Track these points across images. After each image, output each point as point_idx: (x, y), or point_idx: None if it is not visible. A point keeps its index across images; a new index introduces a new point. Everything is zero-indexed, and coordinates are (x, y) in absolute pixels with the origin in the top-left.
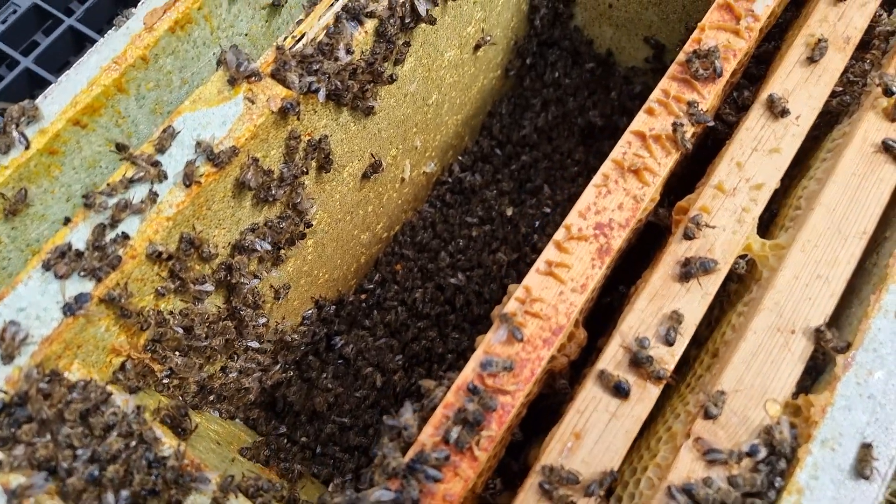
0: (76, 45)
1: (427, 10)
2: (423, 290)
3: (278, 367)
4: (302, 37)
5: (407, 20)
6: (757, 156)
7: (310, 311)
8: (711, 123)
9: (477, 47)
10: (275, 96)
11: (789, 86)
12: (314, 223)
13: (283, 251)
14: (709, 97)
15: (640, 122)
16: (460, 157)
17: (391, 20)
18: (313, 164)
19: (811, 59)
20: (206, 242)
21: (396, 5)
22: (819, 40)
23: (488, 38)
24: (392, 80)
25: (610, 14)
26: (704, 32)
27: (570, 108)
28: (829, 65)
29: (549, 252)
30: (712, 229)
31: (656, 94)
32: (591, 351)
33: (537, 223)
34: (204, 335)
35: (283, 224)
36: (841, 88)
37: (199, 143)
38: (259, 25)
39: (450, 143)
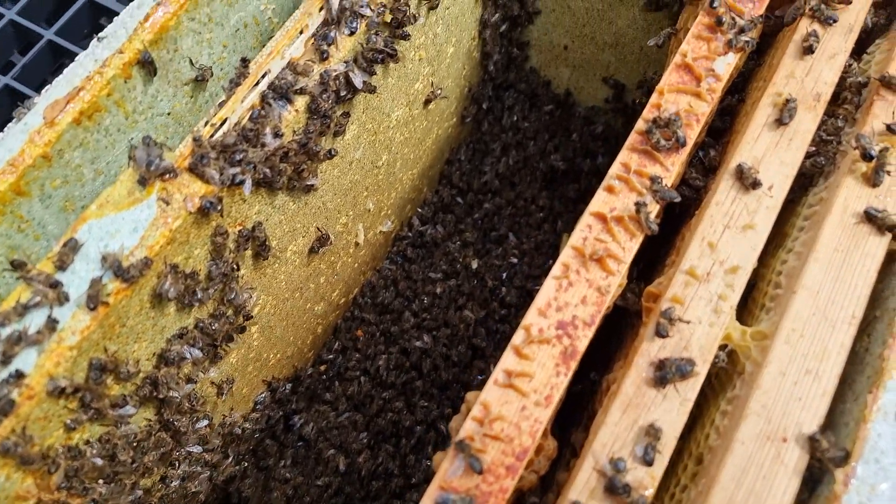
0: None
1: (364, 82)
2: (387, 355)
3: (230, 460)
4: (223, 122)
5: (343, 93)
6: (730, 234)
7: (262, 395)
8: (678, 199)
9: (427, 102)
10: (192, 195)
11: (758, 152)
12: (256, 311)
13: (221, 348)
14: (673, 169)
15: (599, 201)
16: (420, 210)
17: (324, 96)
18: (248, 253)
19: (780, 122)
20: (122, 363)
21: (329, 80)
22: (787, 101)
23: (439, 91)
24: (331, 154)
25: (566, 56)
26: (664, 97)
27: (530, 152)
28: (800, 126)
29: (508, 360)
30: (687, 324)
31: (616, 168)
32: (564, 443)
33: (504, 275)
34: (131, 459)
35: (218, 324)
36: (814, 148)
37: (105, 258)
38: (183, 102)
39: (407, 197)
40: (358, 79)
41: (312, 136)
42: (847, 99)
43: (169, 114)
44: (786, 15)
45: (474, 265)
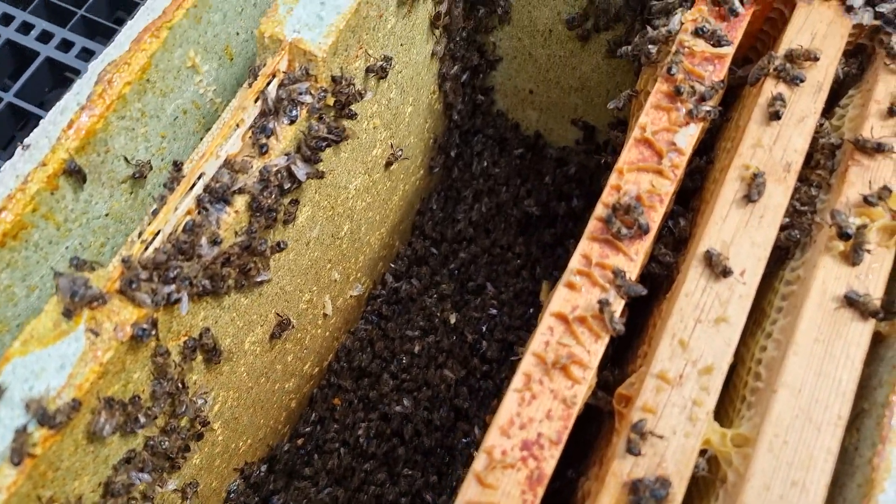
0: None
1: (308, 174)
2: (367, 423)
3: None
4: (156, 235)
5: (287, 186)
6: (701, 329)
7: (235, 484)
8: (643, 293)
9: (389, 164)
10: (123, 322)
11: (727, 234)
12: (216, 410)
13: (178, 459)
14: (637, 258)
15: (560, 300)
16: (392, 265)
17: (266, 192)
18: (197, 360)
19: (749, 199)
20: None
21: (270, 175)
22: (755, 175)
23: (400, 152)
24: (281, 247)
25: (532, 99)
26: (623, 176)
27: (503, 198)
28: (770, 201)
29: (470, 490)
30: (660, 438)
31: (576, 261)
32: None
33: (484, 327)
34: None
35: (170, 440)
36: (788, 219)
37: (28, 405)
38: (122, 200)
39: (377, 256)
40: (301, 171)
41: (257, 235)
42: (820, 163)
43: (107, 214)
44: (749, 75)
45: (452, 319)
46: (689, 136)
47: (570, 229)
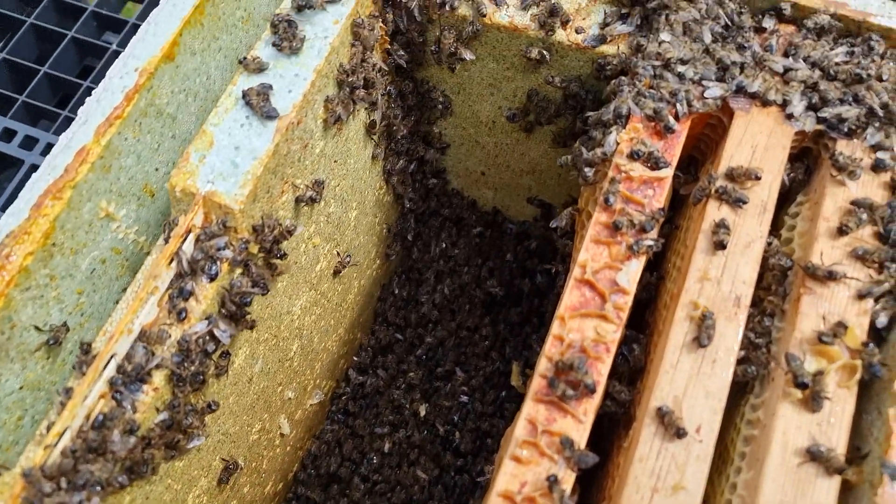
0: None
1: (233, 335)
2: None
3: None
4: (62, 434)
5: (212, 348)
6: (659, 499)
7: None
8: (596, 460)
9: (337, 273)
10: None
11: (679, 386)
12: None
13: None
14: (587, 418)
15: (507, 476)
16: (356, 358)
17: (187, 363)
18: None
19: (699, 343)
20: None
21: (190, 345)
22: (703, 317)
23: (347, 258)
24: (213, 408)
25: (485, 180)
26: (566, 325)
27: (465, 280)
28: (722, 343)
29: None
30: None
31: (521, 429)
32: None
33: (456, 417)
34: None
35: None
36: (744, 352)
37: None
38: (38, 369)
39: (337, 356)
40: (225, 334)
41: (181, 407)
42: (772, 288)
43: (21, 388)
44: (691, 196)
45: (422, 411)
46: (631, 274)
47: (535, 307)
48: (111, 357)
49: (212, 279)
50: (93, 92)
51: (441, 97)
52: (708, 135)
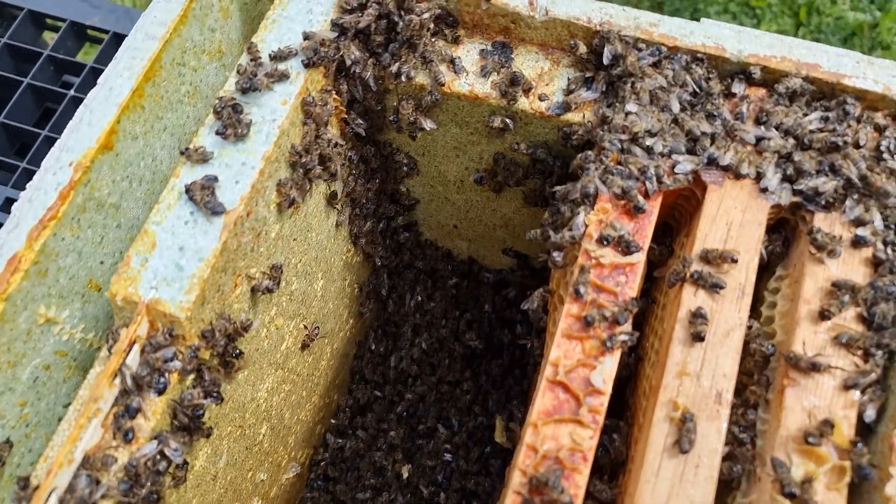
0: None
1: (184, 452)
2: None
3: None
4: None
5: (163, 468)
6: None
7: None
8: None
9: (305, 346)
10: None
11: (661, 494)
12: None
13: None
14: None
15: None
16: (333, 420)
17: (136, 488)
18: None
19: (681, 448)
20: None
21: (138, 469)
22: (683, 419)
23: (316, 330)
24: None
25: (458, 232)
26: (539, 433)
27: (444, 334)
28: (706, 446)
29: None
30: None
31: None
32: None
33: (440, 477)
34: None
35: None
36: (729, 448)
37: None
38: None
39: (313, 424)
40: (177, 454)
41: None
42: (754, 376)
43: None
44: (665, 279)
45: (405, 473)
46: (606, 373)
47: (517, 358)
48: (51, 491)
49: (160, 393)
50: (27, 186)
51: (405, 159)
52: (681, 204)
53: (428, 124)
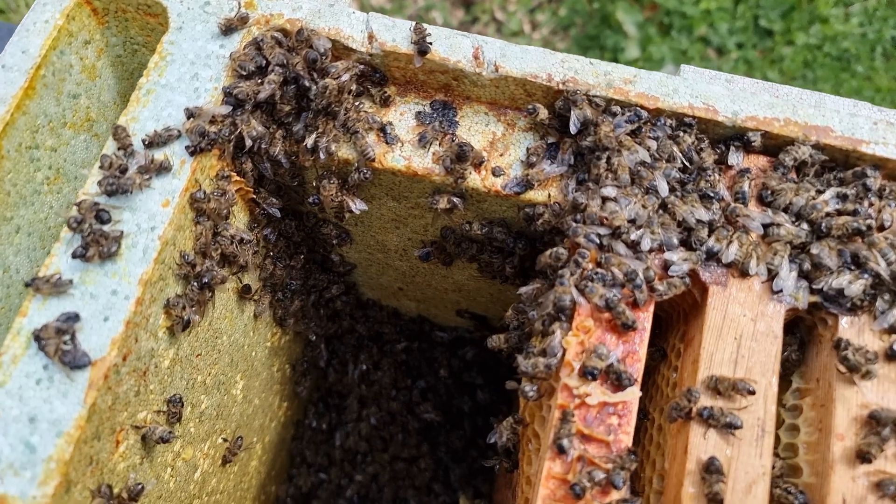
0: None
1: None
2: None
3: None
4: None
5: None
6: None
7: None
8: None
9: (227, 461)
10: None
11: None
12: None
13: None
14: None
15: None
16: None
17: None
18: None
19: None
20: None
21: None
22: None
23: (239, 442)
24: None
25: (404, 293)
26: None
27: (395, 407)
28: None
29: None
30: None
31: None
32: None
33: None
34: None
35: None
36: None
37: None
38: None
39: None
40: None
41: None
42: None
43: None
44: (667, 414)
45: None
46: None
47: (480, 426)
48: None
49: None
50: None
51: (335, 230)
52: (673, 298)
53: (357, 206)
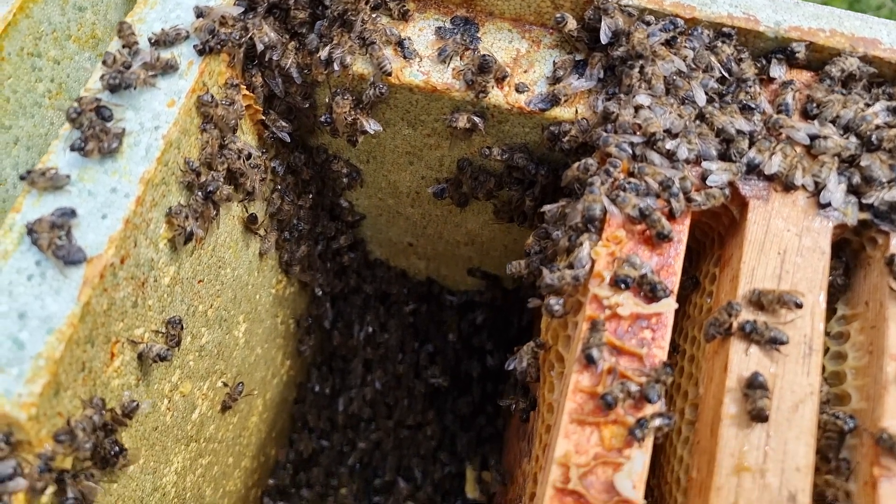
0: None
1: None
2: None
3: None
4: None
5: None
6: None
7: None
8: None
9: (226, 408)
10: None
11: None
12: None
13: None
14: None
15: None
16: (272, 481)
17: None
18: None
19: None
20: None
21: None
22: None
23: (239, 388)
24: None
25: (414, 250)
26: None
27: (401, 370)
28: None
29: None
30: None
31: None
32: None
33: None
34: None
35: None
36: None
37: None
38: None
39: (246, 490)
40: None
41: None
42: (829, 459)
43: None
44: (705, 332)
45: None
46: (636, 475)
47: (489, 392)
48: None
49: None
50: None
51: (345, 167)
52: (706, 223)
53: (371, 126)
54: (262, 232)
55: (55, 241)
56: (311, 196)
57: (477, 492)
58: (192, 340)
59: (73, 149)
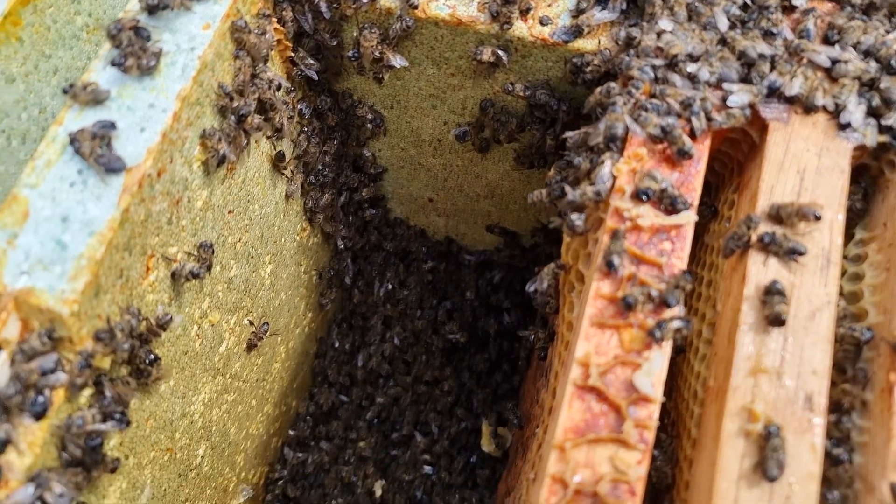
0: None
1: (73, 497)
2: None
3: None
4: None
5: None
6: None
7: None
8: None
9: (252, 347)
10: None
11: None
12: None
13: None
14: None
15: None
16: (292, 432)
17: None
18: None
19: (765, 473)
20: None
21: None
22: (767, 433)
23: (265, 327)
24: None
25: (434, 206)
26: (568, 459)
27: (419, 325)
28: (798, 468)
29: None
30: None
31: None
32: None
33: (419, 493)
34: None
35: None
36: (826, 473)
37: None
38: None
39: (268, 437)
40: (64, 500)
41: None
42: (846, 371)
43: None
44: (723, 247)
45: (378, 490)
46: (655, 374)
47: (506, 350)
48: None
49: (38, 417)
50: None
51: (370, 113)
52: (725, 152)
53: (398, 61)
54: (288, 173)
55: (96, 149)
56: (335, 143)
57: (493, 446)
58: (221, 271)
59: (113, 64)
